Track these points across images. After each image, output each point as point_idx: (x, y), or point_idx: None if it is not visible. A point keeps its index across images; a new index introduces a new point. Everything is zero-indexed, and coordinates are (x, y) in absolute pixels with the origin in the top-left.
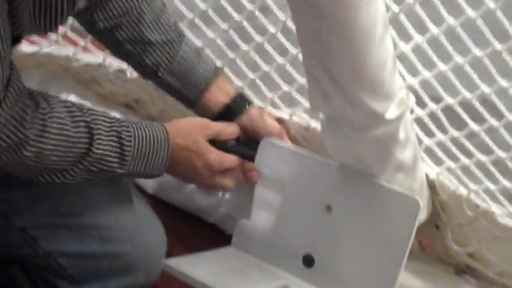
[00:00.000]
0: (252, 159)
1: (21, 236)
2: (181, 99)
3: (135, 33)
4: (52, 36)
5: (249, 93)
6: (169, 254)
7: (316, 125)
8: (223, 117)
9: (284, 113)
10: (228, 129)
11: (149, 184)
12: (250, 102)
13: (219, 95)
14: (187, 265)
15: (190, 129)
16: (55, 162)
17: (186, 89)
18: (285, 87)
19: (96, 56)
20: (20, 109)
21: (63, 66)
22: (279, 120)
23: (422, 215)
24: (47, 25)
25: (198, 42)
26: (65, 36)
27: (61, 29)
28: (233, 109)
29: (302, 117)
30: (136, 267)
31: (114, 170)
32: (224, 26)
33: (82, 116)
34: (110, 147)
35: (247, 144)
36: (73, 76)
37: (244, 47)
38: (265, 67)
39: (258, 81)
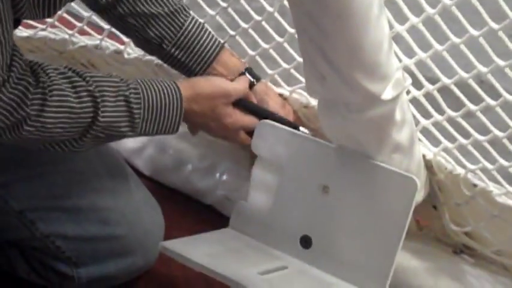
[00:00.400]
0: (267, 117)
1: (19, 219)
2: (187, 73)
3: (137, 6)
4: (47, 19)
5: None
6: (167, 236)
7: (315, 103)
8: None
9: (284, 90)
10: (243, 89)
11: (146, 166)
12: (258, 78)
13: (226, 68)
14: (185, 247)
15: (209, 96)
16: (59, 134)
17: (192, 61)
18: (284, 65)
19: (92, 38)
20: (23, 87)
21: (59, 50)
22: (281, 96)
23: (420, 195)
24: (45, 10)
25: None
26: (60, 20)
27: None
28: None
29: (302, 94)
30: (134, 249)
31: (124, 133)
32: (224, 4)
33: (85, 85)
34: (117, 113)
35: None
36: (68, 60)
37: (244, 25)
38: (264, 45)
39: (257, 58)
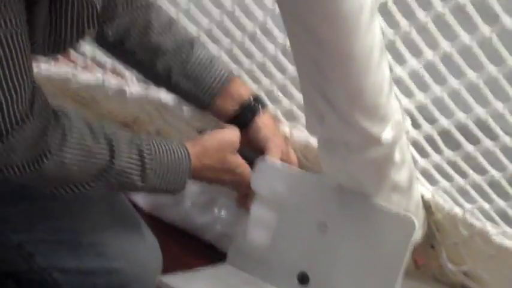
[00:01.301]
0: None
1: (17, 252)
2: (195, 103)
3: (145, 40)
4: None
5: None
6: (165, 271)
7: (315, 143)
8: (238, 123)
9: (285, 126)
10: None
11: (145, 201)
12: (264, 105)
13: (232, 99)
14: (183, 282)
15: (217, 148)
16: (75, 173)
17: (199, 91)
18: (286, 102)
19: (95, 77)
20: (45, 120)
21: (62, 87)
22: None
23: (418, 235)
24: (55, 47)
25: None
26: (64, 55)
27: None
28: (243, 118)
29: (302, 131)
30: (131, 283)
31: (135, 183)
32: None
33: (102, 129)
34: (130, 159)
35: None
36: (72, 97)
37: (246, 64)
38: (266, 82)
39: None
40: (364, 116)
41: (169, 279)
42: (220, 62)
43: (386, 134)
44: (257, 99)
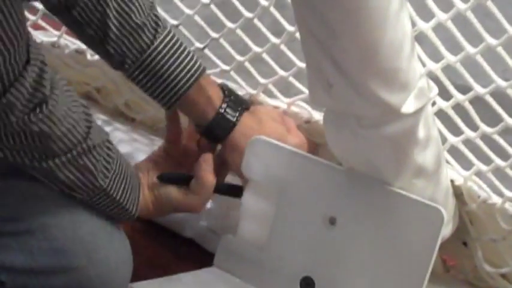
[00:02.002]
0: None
1: None
2: (155, 99)
3: (94, 15)
4: None
5: (237, 80)
6: (136, 275)
7: (320, 117)
8: (206, 135)
9: (281, 103)
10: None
11: None
12: (245, 105)
13: (200, 104)
14: None
15: (167, 208)
16: (63, 135)
17: (159, 90)
18: (281, 72)
19: (48, 34)
20: (39, 69)
21: None
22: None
23: (447, 230)
24: None
25: (172, 20)
26: None
27: None
28: (213, 132)
29: (303, 107)
30: (94, 286)
31: (96, 176)
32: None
33: (78, 100)
34: (99, 148)
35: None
36: None
37: (230, 24)
38: (255, 48)
39: (247, 65)
40: (381, 82)
41: (141, 287)
42: (190, 55)
43: (408, 105)
44: (231, 103)
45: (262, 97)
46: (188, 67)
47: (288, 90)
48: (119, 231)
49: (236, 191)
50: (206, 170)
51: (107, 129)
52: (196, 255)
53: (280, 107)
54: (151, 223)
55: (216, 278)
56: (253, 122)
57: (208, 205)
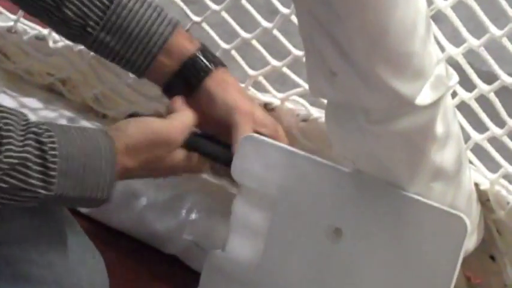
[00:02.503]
0: (225, 162)
1: None
2: (127, 66)
3: None
4: None
5: None
6: None
7: (319, 114)
8: (176, 90)
9: (273, 98)
10: (186, 129)
11: None
12: (215, 62)
13: (170, 57)
14: None
15: (144, 148)
16: None
17: (131, 51)
18: (274, 62)
19: (3, 18)
20: None
21: None
22: (267, 107)
23: (471, 241)
24: None
25: None
26: None
27: None
28: (186, 84)
29: (299, 103)
30: None
31: (34, 188)
32: None
33: None
34: (27, 154)
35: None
36: None
37: (214, 5)
38: (244, 34)
39: (234, 53)
40: (391, 69)
41: None
42: (158, 8)
43: (423, 96)
44: (207, 53)
45: (252, 92)
46: (159, 20)
47: (282, 83)
48: (92, 250)
49: (224, 153)
50: (178, 101)
51: None
52: (179, 274)
53: (273, 103)
54: (128, 238)
55: None
56: (229, 78)
57: (193, 215)
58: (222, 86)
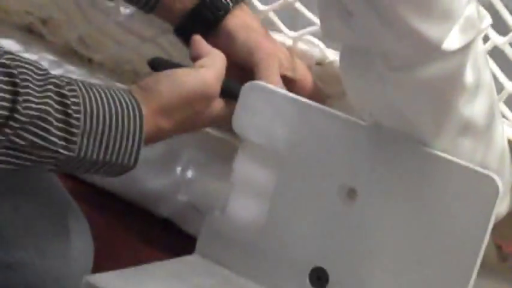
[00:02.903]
0: None
1: None
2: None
3: None
4: None
5: None
6: (99, 266)
7: (336, 56)
8: (191, 30)
9: (284, 37)
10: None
11: None
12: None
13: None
14: (122, 283)
15: (182, 105)
16: None
17: None
18: None
19: None
20: None
21: None
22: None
23: (503, 205)
24: None
25: None
26: None
27: None
28: (204, 22)
29: (313, 44)
30: (44, 284)
31: (54, 146)
32: None
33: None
34: (47, 106)
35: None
36: None
37: None
38: None
39: None
40: (415, 8)
41: (102, 279)
42: None
43: (451, 40)
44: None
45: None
46: None
47: (294, 20)
48: (76, 212)
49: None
50: (202, 41)
51: (59, 71)
52: (173, 239)
53: (285, 43)
54: (117, 199)
55: (198, 269)
56: (250, 20)
57: (189, 174)
58: (243, 26)
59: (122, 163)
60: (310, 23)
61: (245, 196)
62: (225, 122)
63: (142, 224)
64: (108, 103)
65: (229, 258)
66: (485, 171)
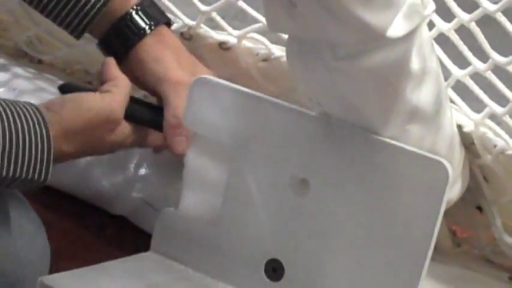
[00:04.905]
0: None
1: None
2: (65, 26)
3: None
4: None
5: (170, 7)
6: (55, 266)
7: (281, 52)
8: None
9: (229, 36)
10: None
11: None
12: (157, 22)
13: (106, 18)
14: (78, 284)
15: (84, 131)
16: None
17: (65, 11)
18: None
19: None
20: None
21: None
22: (222, 47)
23: (455, 191)
24: None
25: None
26: None
27: None
28: (116, 47)
29: (258, 41)
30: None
31: None
32: None
33: None
34: None
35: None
36: None
37: None
38: None
39: None
40: None
41: (56, 280)
42: None
43: (395, 27)
44: (146, 9)
45: (205, 30)
46: None
47: (242, 19)
48: (30, 213)
49: (155, 115)
50: (112, 65)
51: (5, 76)
52: (128, 237)
53: (229, 42)
54: (71, 199)
55: (154, 266)
56: (170, 40)
57: (143, 171)
58: (153, 57)
59: (32, 179)
60: (256, 21)
61: (197, 191)
62: (136, 145)
63: (98, 222)
64: (14, 119)
65: (185, 254)
66: (435, 157)
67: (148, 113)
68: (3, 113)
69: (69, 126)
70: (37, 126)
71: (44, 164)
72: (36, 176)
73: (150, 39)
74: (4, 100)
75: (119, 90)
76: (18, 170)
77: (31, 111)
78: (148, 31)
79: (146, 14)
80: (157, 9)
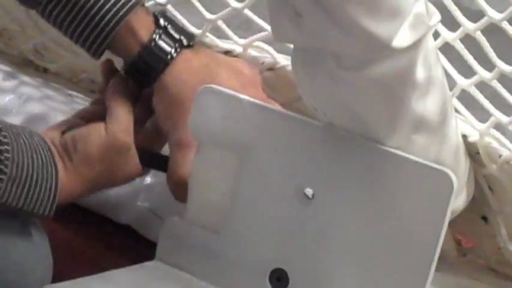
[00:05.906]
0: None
1: None
2: (77, 41)
3: None
4: None
5: (176, 16)
6: (59, 275)
7: (287, 61)
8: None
9: (234, 45)
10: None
11: None
12: (181, 45)
13: (128, 39)
14: None
15: (98, 159)
16: None
17: (79, 30)
18: (234, 3)
19: None
20: None
21: None
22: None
23: (460, 201)
24: None
25: None
26: None
27: None
28: (139, 72)
29: (264, 50)
30: None
31: None
32: None
33: None
34: None
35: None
36: None
37: None
38: None
39: None
40: (363, 6)
41: None
42: None
43: (401, 38)
44: (164, 34)
45: (210, 38)
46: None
47: (246, 29)
48: (33, 222)
49: (161, 163)
50: (116, 97)
51: (11, 83)
52: (133, 246)
53: (235, 51)
54: (75, 207)
55: (159, 275)
56: (195, 65)
57: (148, 180)
58: (182, 80)
59: (37, 213)
60: (261, 29)
61: (203, 200)
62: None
63: (103, 231)
64: (31, 155)
65: (190, 263)
66: (440, 167)
67: (163, 164)
68: (24, 149)
69: (81, 154)
70: (49, 166)
71: (50, 201)
72: (41, 211)
73: (172, 72)
74: (23, 132)
75: (116, 118)
76: (27, 204)
77: (45, 152)
78: (170, 60)
79: (173, 31)
80: (179, 27)
